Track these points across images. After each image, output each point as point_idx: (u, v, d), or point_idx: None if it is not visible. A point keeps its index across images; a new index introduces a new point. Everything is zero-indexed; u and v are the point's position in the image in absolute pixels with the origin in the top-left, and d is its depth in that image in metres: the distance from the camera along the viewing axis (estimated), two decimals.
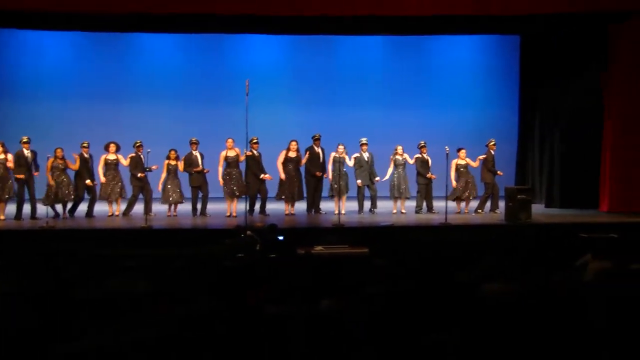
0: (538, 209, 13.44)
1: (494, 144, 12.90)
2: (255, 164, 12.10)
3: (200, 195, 12.39)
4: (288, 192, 12.23)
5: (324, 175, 12.29)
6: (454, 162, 12.62)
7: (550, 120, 14.50)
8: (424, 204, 12.84)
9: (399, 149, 12.69)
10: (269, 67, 15.75)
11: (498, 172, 12.58)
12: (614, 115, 13.22)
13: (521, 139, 15.54)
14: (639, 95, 13.03)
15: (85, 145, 12.06)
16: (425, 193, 12.90)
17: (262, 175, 11.88)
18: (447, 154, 11.86)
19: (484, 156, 12.67)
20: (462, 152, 12.75)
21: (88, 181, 11.79)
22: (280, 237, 7.97)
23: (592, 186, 13.66)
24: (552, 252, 6.81)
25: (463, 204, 12.86)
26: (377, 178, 12.38)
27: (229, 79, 15.06)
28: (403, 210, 12.63)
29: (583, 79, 13.65)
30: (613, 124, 13.21)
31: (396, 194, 12.66)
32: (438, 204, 12.72)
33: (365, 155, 12.63)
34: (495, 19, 12.69)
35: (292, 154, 12.24)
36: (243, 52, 15.78)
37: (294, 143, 12.26)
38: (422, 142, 12.70)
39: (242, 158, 12.01)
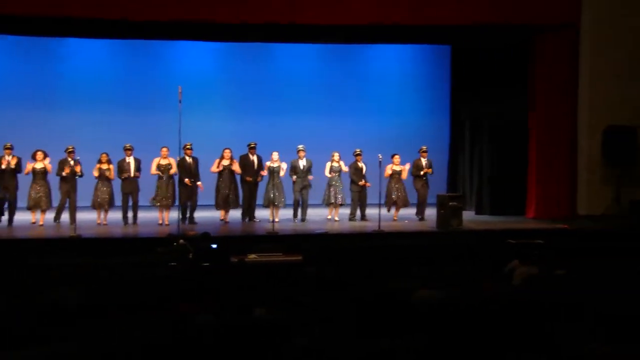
0: (469, 216, 13.50)
1: (425, 151, 12.95)
2: (185, 171, 11.97)
3: (131, 202, 12.12)
4: (221, 200, 12.11)
5: (258, 180, 12.27)
6: (389, 166, 12.66)
7: (479, 129, 14.62)
8: (358, 211, 12.79)
9: (336, 155, 12.66)
10: (203, 74, 15.56)
11: (422, 172, 12.64)
12: (537, 126, 13.48)
13: (452, 147, 15.67)
14: (559, 107, 13.34)
15: (8, 146, 11.65)
16: (359, 201, 12.83)
17: (186, 180, 11.75)
18: (380, 161, 11.78)
19: (407, 166, 12.77)
20: (396, 158, 12.75)
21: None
22: (214, 245, 7.91)
23: (520, 194, 13.83)
24: (482, 258, 7.38)
25: (399, 211, 12.99)
26: (311, 176, 12.40)
27: (162, 86, 14.75)
28: (337, 218, 12.60)
29: (510, 90, 13.86)
30: (537, 133, 13.47)
31: (331, 200, 12.58)
32: (372, 212, 12.71)
33: (302, 163, 12.58)
34: (426, 29, 12.81)
35: (226, 162, 12.13)
36: (177, 59, 15.58)
37: (227, 151, 12.17)
38: (358, 150, 12.65)
39: (173, 171, 11.91)
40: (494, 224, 12.43)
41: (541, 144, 13.41)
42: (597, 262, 6.66)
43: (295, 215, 12.62)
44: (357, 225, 12.19)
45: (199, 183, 12.11)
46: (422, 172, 12.75)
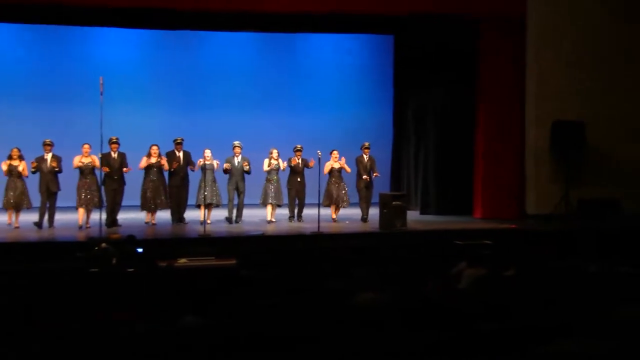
0: (413, 216, 13.60)
1: (367, 147, 12.93)
2: (110, 168, 11.73)
3: (48, 204, 11.78)
4: (148, 200, 11.98)
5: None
6: (328, 164, 12.65)
7: (424, 125, 14.71)
8: (296, 211, 12.85)
9: (274, 152, 12.60)
10: (127, 64, 15.42)
11: (365, 176, 12.65)
12: (483, 122, 13.62)
13: (396, 143, 15.63)
14: (506, 101, 13.50)
15: None
16: (297, 199, 12.87)
17: (103, 167, 11.49)
18: (319, 158, 11.73)
19: (343, 160, 12.79)
20: (335, 154, 12.77)
21: None
22: (140, 249, 7.91)
23: (466, 193, 13.98)
24: (427, 260, 7.56)
25: (339, 211, 12.99)
26: (247, 165, 12.33)
27: (82, 76, 14.57)
28: (273, 219, 12.58)
29: (456, 83, 14.00)
30: (483, 130, 13.62)
31: (269, 201, 12.54)
32: (310, 212, 12.62)
33: (237, 160, 12.48)
34: (365, 18, 12.93)
35: (153, 160, 11.93)
36: (98, 47, 15.37)
37: (154, 148, 11.98)
38: (299, 146, 12.68)
39: (105, 168, 11.60)
40: (439, 224, 12.53)
41: (488, 139, 13.57)
42: (546, 263, 6.82)
43: (229, 216, 12.54)
44: (295, 226, 12.18)
45: (126, 169, 11.87)
46: (364, 177, 12.82)
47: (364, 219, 12.86)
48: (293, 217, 12.85)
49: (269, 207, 12.67)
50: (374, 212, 12.77)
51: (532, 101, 13.56)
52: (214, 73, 15.85)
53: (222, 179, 12.72)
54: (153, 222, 12.11)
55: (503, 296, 4.96)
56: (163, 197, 11.98)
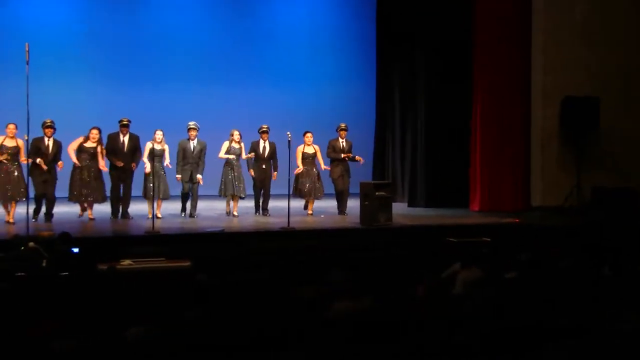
0: (400, 209, 13.75)
1: (344, 129, 12.97)
2: (40, 156, 11.61)
3: None
4: (83, 190, 11.85)
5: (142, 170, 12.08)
6: (299, 149, 12.70)
7: (411, 102, 14.79)
8: (261, 203, 12.90)
9: (235, 134, 12.60)
10: (59, 27, 15.29)
11: (344, 155, 12.73)
12: (481, 98, 13.71)
13: (379, 124, 15.69)
14: (506, 75, 13.59)
15: None
16: (262, 189, 12.95)
17: (38, 161, 11.36)
18: (289, 140, 11.64)
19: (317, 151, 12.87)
20: (309, 137, 12.76)
21: None
22: (75, 249, 7.84)
23: (462, 182, 14.09)
24: (416, 261, 7.58)
25: (314, 203, 13.08)
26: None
27: (3, 42, 14.49)
28: (236, 213, 12.59)
29: (450, 53, 14.09)
30: (482, 107, 13.71)
31: (229, 191, 12.53)
32: (280, 205, 12.74)
33: (192, 144, 12.45)
34: None
35: (91, 144, 11.85)
36: (23, 7, 15.22)
37: (94, 131, 11.87)
38: (265, 127, 12.70)
39: (23, 158, 11.43)
40: (430, 219, 12.63)
41: (487, 119, 13.70)
42: (554, 264, 6.80)
43: (183, 209, 12.63)
44: (262, 221, 12.19)
45: (59, 163, 11.80)
46: (342, 156, 12.79)
47: (342, 212, 12.92)
48: (259, 210, 12.90)
49: (230, 199, 12.70)
50: (353, 204, 12.84)
51: (539, 74, 13.73)
52: (165, 41, 15.87)
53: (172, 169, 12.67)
54: (90, 216, 11.96)
55: (503, 302, 5.10)
56: (100, 188, 11.96)
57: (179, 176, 12.39)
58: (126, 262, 8.15)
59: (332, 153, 12.98)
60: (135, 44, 15.69)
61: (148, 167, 11.92)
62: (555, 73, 13.58)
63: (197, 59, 15.99)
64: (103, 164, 11.87)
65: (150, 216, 11.65)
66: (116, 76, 15.56)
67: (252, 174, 12.79)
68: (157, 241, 10.16)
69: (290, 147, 11.68)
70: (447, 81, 14.18)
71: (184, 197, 12.59)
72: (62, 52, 15.22)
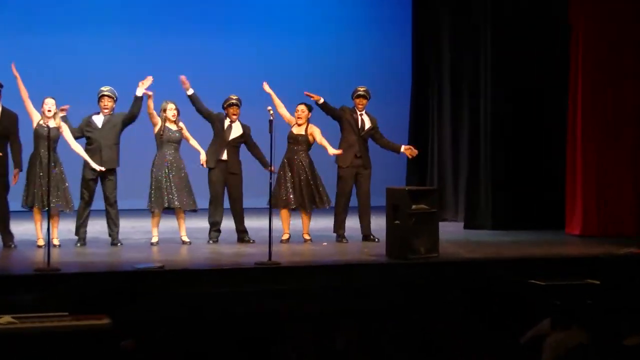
0: (451, 232, 12.19)
1: (362, 95, 11.22)
2: None
3: None
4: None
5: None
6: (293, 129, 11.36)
7: (474, 76, 13.41)
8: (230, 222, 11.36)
9: (170, 108, 10.77)
10: None
11: (363, 133, 11.27)
12: (585, 79, 12.37)
13: (417, 102, 14.25)
14: (616, 51, 12.30)
15: None
16: (230, 200, 11.30)
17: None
18: (270, 120, 9.90)
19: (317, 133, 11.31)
20: (302, 111, 11.14)
21: None
22: None
23: (551, 192, 12.74)
24: (477, 316, 7.16)
25: (310, 219, 11.36)
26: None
27: None
28: (184, 235, 10.80)
29: (529, 13, 12.97)
30: (584, 91, 12.32)
31: (162, 203, 10.68)
32: (256, 225, 11.25)
33: (100, 120, 10.66)
34: None
35: None
36: None
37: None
38: (234, 98, 11.21)
39: None
40: (501, 249, 10.96)
41: (594, 110, 12.27)
42: None
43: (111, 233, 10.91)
44: (229, 251, 10.47)
45: None
46: (362, 134, 11.29)
47: (366, 234, 11.24)
48: (218, 232, 11.03)
49: (159, 215, 10.94)
50: (377, 224, 11.26)
51: None
52: None
53: (72, 161, 10.73)
54: None
55: None
56: None
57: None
58: (4, 320, 6.68)
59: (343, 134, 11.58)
60: None
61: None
62: None
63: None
64: None
65: (42, 243, 10.10)
66: None
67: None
68: (54, 284, 8.77)
69: (272, 127, 10.04)
70: (527, 52, 12.88)
71: (82, 210, 10.74)
72: None
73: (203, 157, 11.09)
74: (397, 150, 11.56)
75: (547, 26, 13.12)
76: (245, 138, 11.28)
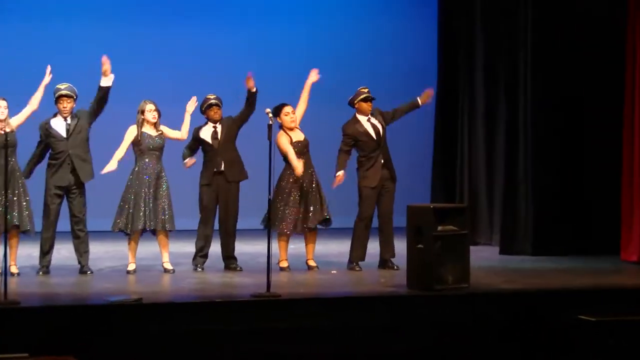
0: (485, 258, 11.41)
1: (366, 98, 10.33)
2: None
3: None
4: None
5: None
6: (282, 139, 10.34)
7: (513, 72, 12.58)
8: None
9: (149, 109, 10.08)
10: None
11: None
12: None
13: (442, 100, 13.25)
14: None
15: None
16: (220, 221, 10.52)
17: None
18: (269, 125, 9.06)
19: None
20: (288, 114, 10.26)
21: None
22: None
23: (603, 212, 11.92)
24: (516, 359, 7.55)
25: (314, 242, 10.43)
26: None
27: None
28: (167, 264, 10.00)
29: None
30: None
31: (139, 224, 9.88)
32: (249, 249, 10.85)
33: (62, 125, 9.99)
34: None
35: None
36: None
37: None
38: (211, 97, 10.36)
39: None
40: (545, 278, 10.05)
41: None
42: None
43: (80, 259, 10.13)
44: (217, 280, 9.63)
45: None
46: (381, 142, 10.58)
47: (385, 260, 10.29)
48: (204, 258, 10.09)
49: (137, 238, 10.11)
50: (397, 247, 10.41)
51: None
52: None
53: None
54: None
55: None
56: None
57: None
58: None
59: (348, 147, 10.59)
60: None
61: None
62: None
63: None
64: None
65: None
66: None
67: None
68: (13, 320, 8.14)
69: (272, 135, 9.25)
70: (575, 54, 12.05)
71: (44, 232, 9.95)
72: None
73: (185, 129, 10.01)
74: (417, 106, 10.57)
75: (598, 25, 12.31)
76: (234, 125, 10.25)
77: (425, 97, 10.82)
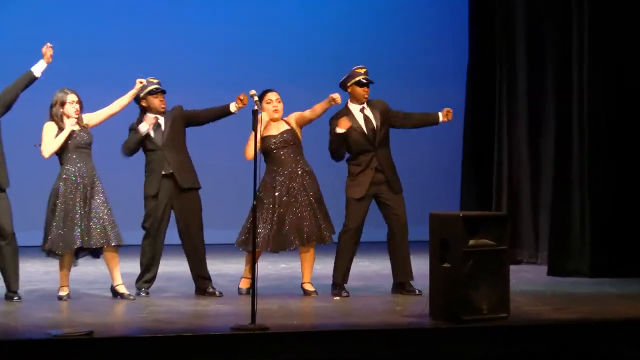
0: (528, 280, 10.45)
1: (363, 80, 9.53)
2: None
3: None
4: None
5: None
6: (252, 140, 9.09)
7: (566, 57, 11.40)
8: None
9: (71, 98, 9.33)
10: None
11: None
12: None
13: (474, 89, 12.29)
14: None
15: None
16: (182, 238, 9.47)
17: None
18: (255, 109, 8.32)
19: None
20: (278, 100, 9.42)
21: None
22: None
23: None
24: None
25: (312, 262, 9.44)
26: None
27: None
28: (121, 287, 9.22)
29: None
30: None
31: (70, 244, 8.96)
32: (227, 268, 10.41)
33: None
34: None
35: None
36: None
37: None
38: (153, 80, 9.56)
39: None
40: (605, 304, 9.13)
41: None
42: None
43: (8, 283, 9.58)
44: (189, 306, 8.74)
45: None
46: (376, 141, 9.54)
47: (401, 283, 9.30)
48: (150, 283, 9.24)
49: (73, 259, 9.16)
50: (419, 265, 9.47)
51: None
52: None
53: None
54: None
55: None
56: None
57: None
58: None
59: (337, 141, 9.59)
60: None
61: None
62: None
63: None
64: None
65: None
66: None
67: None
68: None
69: (260, 124, 8.58)
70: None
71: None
72: None
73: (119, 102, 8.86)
74: (436, 121, 9.31)
75: None
76: (185, 119, 9.07)
77: (447, 115, 9.51)
